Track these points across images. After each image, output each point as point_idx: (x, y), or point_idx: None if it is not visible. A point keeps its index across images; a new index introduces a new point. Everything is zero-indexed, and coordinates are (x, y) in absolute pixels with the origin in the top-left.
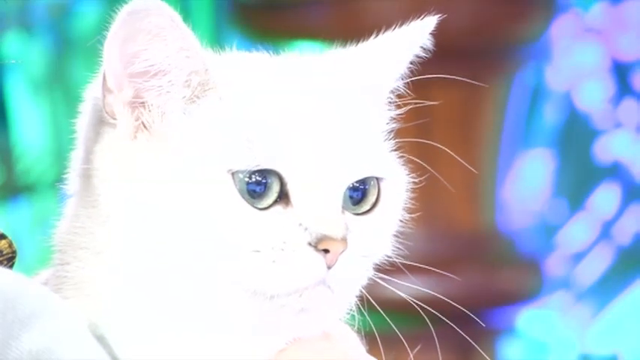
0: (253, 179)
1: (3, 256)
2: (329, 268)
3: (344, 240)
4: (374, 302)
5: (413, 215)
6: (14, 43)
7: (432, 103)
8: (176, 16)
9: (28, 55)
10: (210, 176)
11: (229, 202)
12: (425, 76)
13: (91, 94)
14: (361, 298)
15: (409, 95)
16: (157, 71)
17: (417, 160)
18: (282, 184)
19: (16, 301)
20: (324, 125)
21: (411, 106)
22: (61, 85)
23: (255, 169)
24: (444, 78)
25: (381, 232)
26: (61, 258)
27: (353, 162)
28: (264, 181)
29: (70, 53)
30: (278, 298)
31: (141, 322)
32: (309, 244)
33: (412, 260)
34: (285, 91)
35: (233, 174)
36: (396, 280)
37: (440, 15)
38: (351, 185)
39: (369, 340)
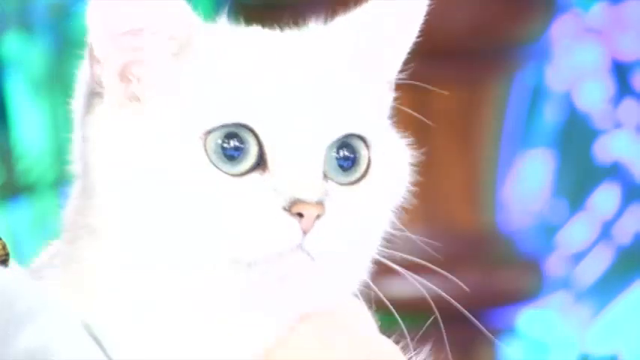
0: (231, 144)
1: None
2: (305, 233)
3: (320, 204)
4: (373, 301)
5: (412, 215)
6: (14, 44)
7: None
8: None
9: (28, 55)
10: (182, 142)
11: (200, 168)
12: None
13: (83, 74)
14: (363, 297)
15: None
16: (141, 27)
17: (418, 160)
18: (261, 147)
19: (13, 298)
20: (304, 82)
21: (411, 106)
22: (61, 85)
23: (231, 122)
24: (444, 78)
25: (372, 203)
26: (66, 237)
27: (333, 120)
28: (241, 146)
29: (70, 53)
30: (256, 266)
31: (133, 303)
32: (284, 208)
33: (413, 260)
34: (266, 48)
35: (206, 139)
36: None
37: None
38: (342, 155)
39: None
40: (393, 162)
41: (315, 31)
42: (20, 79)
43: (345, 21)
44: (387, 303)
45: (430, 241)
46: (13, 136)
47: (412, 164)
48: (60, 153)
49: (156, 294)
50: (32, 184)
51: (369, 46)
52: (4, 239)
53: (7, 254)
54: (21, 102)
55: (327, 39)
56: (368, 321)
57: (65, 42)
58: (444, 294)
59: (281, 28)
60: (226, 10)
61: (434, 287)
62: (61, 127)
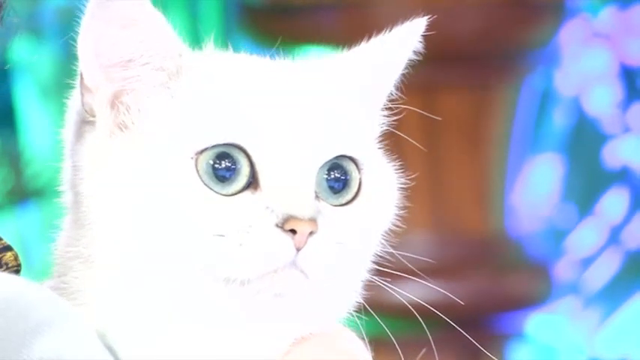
0: (223, 165)
1: (8, 268)
2: (298, 250)
3: (312, 221)
4: (381, 307)
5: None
6: (23, 48)
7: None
8: (145, 1)
9: (37, 59)
10: (173, 163)
11: (192, 189)
12: None
13: (74, 102)
14: (366, 302)
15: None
16: (131, 59)
17: (426, 165)
18: (252, 167)
19: (28, 309)
20: (296, 105)
21: (419, 111)
22: (70, 89)
23: (223, 142)
24: (454, 83)
25: (363, 224)
26: (58, 270)
27: (325, 141)
28: (233, 166)
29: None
30: (249, 284)
31: (133, 325)
32: (277, 225)
33: (421, 265)
34: (259, 75)
35: (197, 160)
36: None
37: (429, 17)
38: (333, 176)
39: (377, 345)
40: (383, 185)
41: (308, 62)
42: (29, 84)
43: (339, 58)
44: (371, 311)
45: (416, 256)
46: (22, 140)
47: (400, 188)
48: None
49: (154, 315)
50: (41, 188)
51: (360, 83)
52: (15, 250)
53: (18, 265)
54: (30, 106)
55: (320, 69)
56: (362, 347)
57: (74, 47)
58: (424, 303)
59: (289, 33)
60: (234, 15)
61: (414, 297)
62: None
